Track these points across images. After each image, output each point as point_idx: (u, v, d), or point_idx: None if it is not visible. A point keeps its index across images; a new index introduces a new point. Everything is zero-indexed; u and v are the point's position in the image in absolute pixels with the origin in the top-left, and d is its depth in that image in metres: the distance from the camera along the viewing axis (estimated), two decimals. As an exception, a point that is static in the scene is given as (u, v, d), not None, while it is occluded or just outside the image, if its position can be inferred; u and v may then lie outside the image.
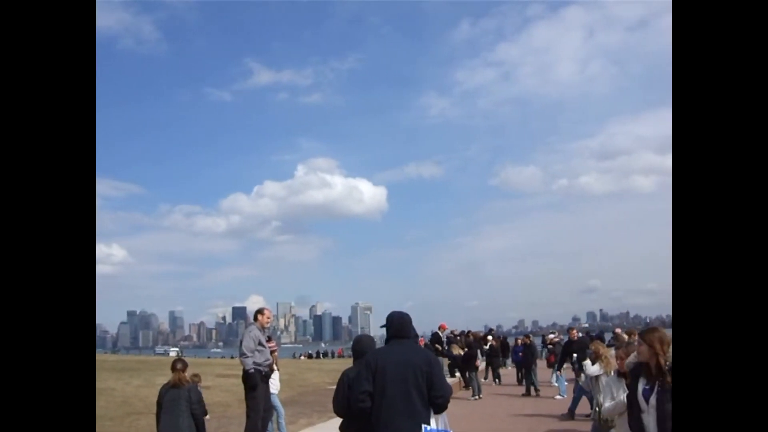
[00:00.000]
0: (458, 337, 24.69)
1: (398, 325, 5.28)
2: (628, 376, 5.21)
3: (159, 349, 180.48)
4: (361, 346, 5.66)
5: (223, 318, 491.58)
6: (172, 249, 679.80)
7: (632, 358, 5.19)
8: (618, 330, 18.32)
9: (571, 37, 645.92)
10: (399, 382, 4.89)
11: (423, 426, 4.75)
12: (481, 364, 23.30)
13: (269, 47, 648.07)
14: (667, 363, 4.64)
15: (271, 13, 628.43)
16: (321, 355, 79.96)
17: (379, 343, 5.68)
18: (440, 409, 5.02)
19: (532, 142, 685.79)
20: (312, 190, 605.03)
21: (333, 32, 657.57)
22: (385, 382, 4.90)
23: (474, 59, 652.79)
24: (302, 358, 70.33)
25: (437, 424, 5.05)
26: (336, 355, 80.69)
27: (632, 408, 4.85)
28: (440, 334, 23.12)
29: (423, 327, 23.03)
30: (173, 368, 8.32)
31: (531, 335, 26.57)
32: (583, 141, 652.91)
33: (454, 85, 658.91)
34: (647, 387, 4.74)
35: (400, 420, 4.81)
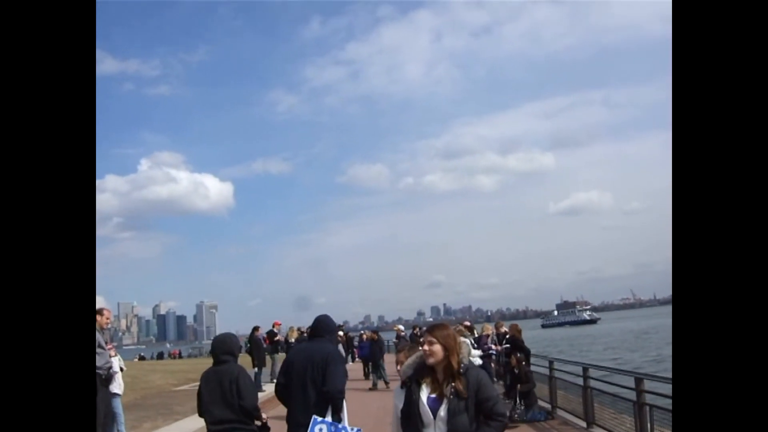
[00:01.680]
0: (304, 334, 24.79)
1: (314, 325, 6.02)
2: (407, 383, 4.11)
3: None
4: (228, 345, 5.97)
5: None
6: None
7: (411, 360, 4.22)
8: (467, 323, 18.82)
9: (420, 39, 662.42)
10: (299, 376, 5.53)
11: (314, 416, 5.16)
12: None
13: (113, 34, 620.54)
14: (462, 364, 4.03)
15: (115, 3, 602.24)
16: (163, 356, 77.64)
17: None
18: (332, 401, 5.41)
19: (379, 140, 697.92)
20: (156, 185, 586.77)
21: (181, 22, 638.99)
22: (291, 375, 5.59)
23: (324, 57, 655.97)
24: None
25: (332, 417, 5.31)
26: (172, 355, 78.41)
27: (410, 422, 3.98)
28: (275, 331, 23.26)
29: (268, 325, 22.88)
30: None
31: (378, 331, 27.03)
32: (428, 140, 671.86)
33: (303, 81, 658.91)
34: (434, 396, 3.97)
35: (296, 410, 5.47)
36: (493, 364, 16.56)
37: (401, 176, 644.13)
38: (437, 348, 4.01)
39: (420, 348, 4.18)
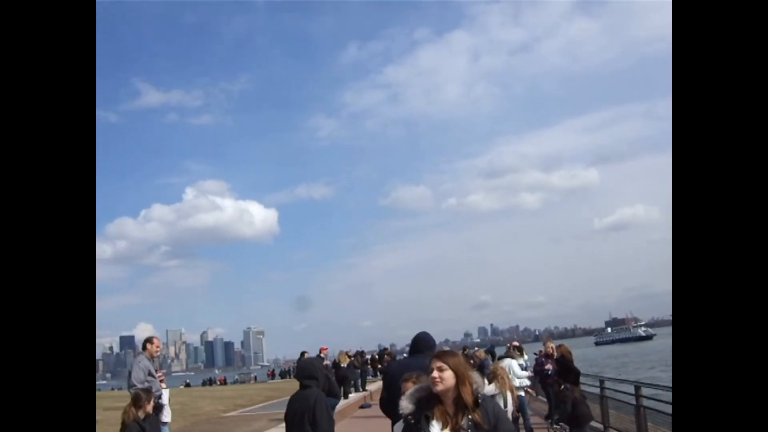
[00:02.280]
0: (352, 358, 24.73)
1: (414, 342, 6.03)
2: (411, 418, 3.61)
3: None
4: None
5: (111, 348, 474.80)
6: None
7: (410, 392, 3.77)
8: (515, 343, 18.55)
9: (457, 60, 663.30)
10: None
11: None
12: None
13: (157, 67, 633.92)
14: (479, 395, 3.62)
15: (157, 33, 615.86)
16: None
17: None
18: None
19: (420, 162, 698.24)
20: (202, 213, 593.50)
21: (221, 53, 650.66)
22: (392, 389, 5.41)
23: (362, 81, 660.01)
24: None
25: None
26: (218, 382, 78.53)
27: None
28: (322, 356, 23.16)
29: (315, 350, 22.85)
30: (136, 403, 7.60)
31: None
32: (470, 160, 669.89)
33: (342, 106, 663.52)
34: (446, 431, 3.52)
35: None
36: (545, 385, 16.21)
37: (444, 197, 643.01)
38: (448, 374, 3.57)
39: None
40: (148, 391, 7.96)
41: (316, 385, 5.82)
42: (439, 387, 3.55)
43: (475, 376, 3.66)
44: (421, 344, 5.93)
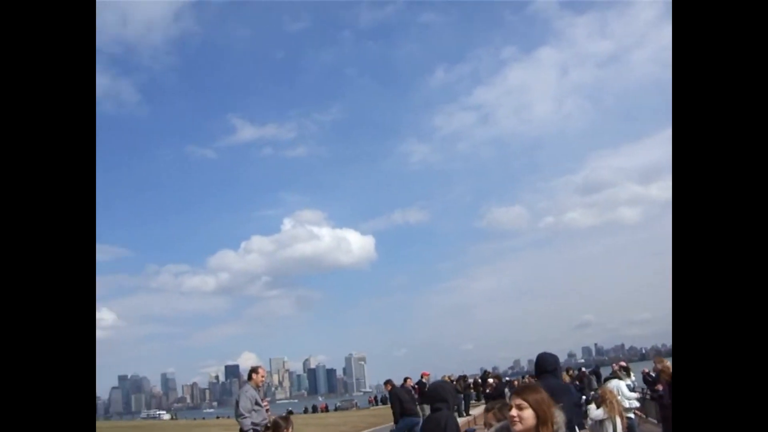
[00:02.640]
0: (455, 383, 24.52)
1: (538, 362, 5.99)
2: None
3: (145, 413, 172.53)
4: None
5: (216, 377, 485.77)
6: (162, 310, 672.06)
7: (494, 430, 3.65)
8: (622, 363, 18.01)
9: (546, 76, 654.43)
10: None
11: None
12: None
13: (250, 103, 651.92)
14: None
15: (247, 70, 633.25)
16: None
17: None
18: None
19: (515, 182, 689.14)
20: (300, 243, 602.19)
21: (312, 85, 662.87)
22: None
23: (451, 104, 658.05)
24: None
25: None
26: (320, 409, 78.99)
27: None
28: (424, 381, 23.00)
29: (417, 375, 22.78)
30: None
31: (533, 375, 26.25)
32: (565, 177, 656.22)
33: (433, 130, 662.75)
34: None
35: None
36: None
37: (541, 216, 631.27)
38: (528, 414, 3.32)
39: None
40: (287, 418, 7.82)
41: (447, 407, 5.83)
42: (518, 427, 3.33)
43: (558, 416, 3.41)
44: (545, 364, 5.89)
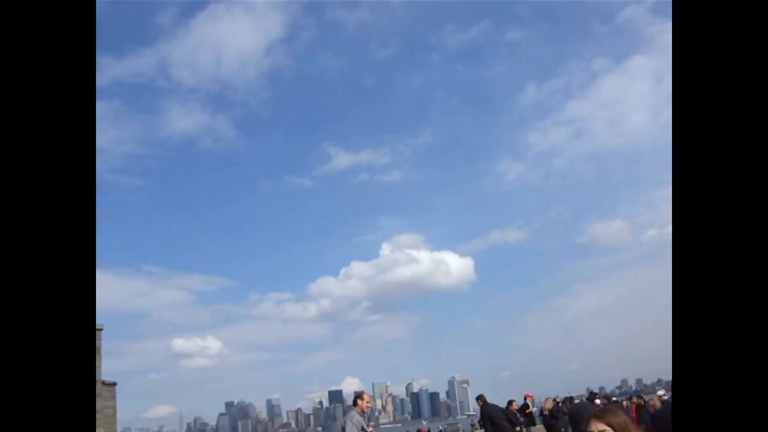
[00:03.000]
0: (560, 405, 24.04)
1: None
2: None
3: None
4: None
5: (320, 402, 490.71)
6: (265, 337, 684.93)
7: None
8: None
9: (639, 85, 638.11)
10: None
11: None
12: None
13: (344, 130, 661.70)
14: None
15: (339, 98, 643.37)
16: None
17: None
18: None
19: (614, 195, 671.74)
20: (399, 267, 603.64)
21: (403, 110, 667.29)
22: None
23: (544, 120, 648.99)
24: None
25: None
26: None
27: None
28: (528, 403, 22.69)
29: (521, 398, 22.47)
30: None
31: (642, 396, 25.41)
32: (666, 189, 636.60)
33: (527, 147, 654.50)
34: None
35: None
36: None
37: (643, 229, 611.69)
38: None
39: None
40: None
41: None
42: None
43: None
44: None
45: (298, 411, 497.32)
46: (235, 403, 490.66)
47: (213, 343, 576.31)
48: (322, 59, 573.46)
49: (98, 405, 36.13)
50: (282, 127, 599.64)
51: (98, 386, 36.35)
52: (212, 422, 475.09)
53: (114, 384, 40.41)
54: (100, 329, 38.08)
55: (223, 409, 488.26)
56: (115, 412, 39.41)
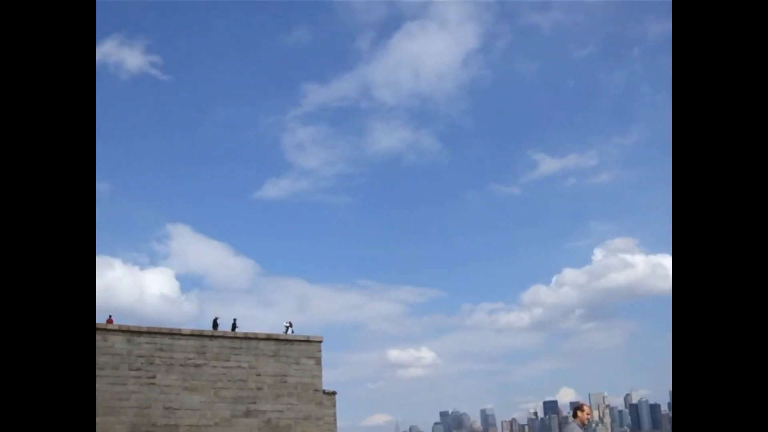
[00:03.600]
0: None
1: None
2: None
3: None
4: None
5: (535, 413, 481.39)
6: (478, 347, 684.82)
7: None
8: None
9: None
10: None
11: None
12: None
13: (548, 136, 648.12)
14: None
15: (540, 103, 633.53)
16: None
17: None
18: None
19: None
20: (613, 272, 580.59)
21: (608, 109, 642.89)
22: None
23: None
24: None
25: None
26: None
27: None
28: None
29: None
30: None
31: None
32: None
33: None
34: None
35: None
36: None
37: None
38: None
39: None
40: None
41: None
42: None
43: None
44: None
45: (512, 421, 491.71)
46: (450, 413, 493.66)
47: (427, 354, 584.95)
48: (519, 65, 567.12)
49: (320, 413, 38.27)
50: (485, 137, 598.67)
51: (319, 395, 38.55)
52: (427, 431, 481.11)
53: (334, 393, 42.32)
54: (320, 341, 40.00)
55: (437, 419, 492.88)
56: (335, 419, 41.16)
